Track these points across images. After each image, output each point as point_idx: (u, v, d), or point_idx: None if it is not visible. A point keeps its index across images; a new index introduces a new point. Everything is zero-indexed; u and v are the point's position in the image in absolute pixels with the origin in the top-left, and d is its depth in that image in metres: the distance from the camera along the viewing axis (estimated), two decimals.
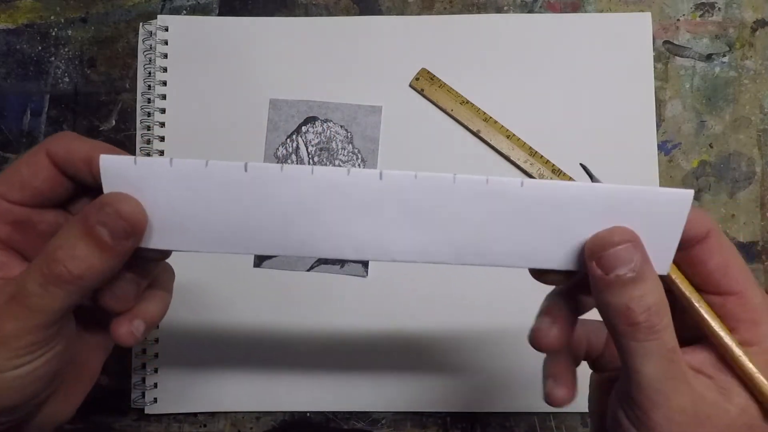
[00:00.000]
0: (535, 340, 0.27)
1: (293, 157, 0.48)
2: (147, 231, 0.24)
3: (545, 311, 0.27)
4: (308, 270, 0.47)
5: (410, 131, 0.48)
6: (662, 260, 0.25)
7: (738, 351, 0.24)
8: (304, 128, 0.48)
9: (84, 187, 0.26)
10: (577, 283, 0.27)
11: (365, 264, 0.47)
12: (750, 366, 0.24)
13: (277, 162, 0.48)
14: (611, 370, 0.29)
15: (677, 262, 0.26)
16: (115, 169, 0.23)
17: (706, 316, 0.25)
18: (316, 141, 0.48)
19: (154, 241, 0.24)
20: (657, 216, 0.24)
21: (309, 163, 0.48)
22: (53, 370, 0.25)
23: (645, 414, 0.23)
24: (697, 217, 0.25)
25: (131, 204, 0.23)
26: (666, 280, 0.26)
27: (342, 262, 0.47)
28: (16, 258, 0.26)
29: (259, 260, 0.47)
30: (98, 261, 0.23)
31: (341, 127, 0.48)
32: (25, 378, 0.24)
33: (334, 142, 0.48)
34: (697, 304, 0.25)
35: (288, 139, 0.48)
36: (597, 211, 0.24)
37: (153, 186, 0.23)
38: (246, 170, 0.23)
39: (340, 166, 0.48)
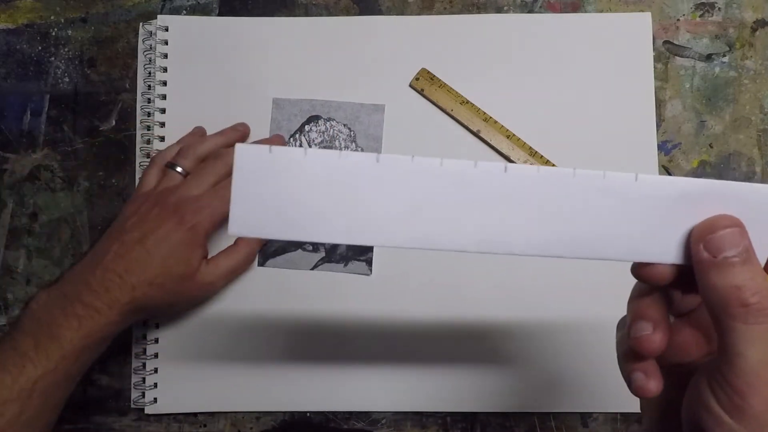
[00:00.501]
0: (642, 348, 0.27)
1: None
2: (277, 222, 0.25)
3: (641, 316, 0.27)
4: (312, 269, 0.47)
5: (411, 131, 0.48)
6: (761, 254, 0.25)
7: None
8: (307, 127, 0.48)
9: None
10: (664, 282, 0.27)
11: (369, 262, 0.47)
12: None
13: None
14: (670, 366, 0.29)
15: None
16: (248, 159, 0.24)
17: None
18: (319, 140, 0.48)
19: (283, 232, 0.25)
20: (757, 211, 0.25)
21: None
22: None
23: (743, 399, 0.23)
24: None
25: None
26: None
27: (346, 261, 0.47)
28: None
29: (263, 258, 0.47)
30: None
31: (344, 125, 0.48)
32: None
33: (337, 140, 0.48)
34: None
35: (291, 138, 0.48)
36: (703, 204, 0.25)
37: (284, 178, 0.24)
38: (378, 161, 0.24)
39: None
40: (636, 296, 0.28)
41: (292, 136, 0.48)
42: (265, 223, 0.24)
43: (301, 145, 0.48)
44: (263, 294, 0.47)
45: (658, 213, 0.25)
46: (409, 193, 0.24)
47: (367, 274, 0.47)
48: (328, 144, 0.48)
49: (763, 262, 0.25)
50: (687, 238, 0.25)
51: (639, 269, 0.26)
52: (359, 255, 0.47)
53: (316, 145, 0.48)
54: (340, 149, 0.48)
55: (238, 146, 0.24)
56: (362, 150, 0.48)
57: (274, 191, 0.24)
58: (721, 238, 0.24)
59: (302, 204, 0.24)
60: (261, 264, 0.47)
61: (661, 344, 0.27)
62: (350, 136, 0.48)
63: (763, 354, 0.23)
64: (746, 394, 0.23)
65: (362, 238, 0.25)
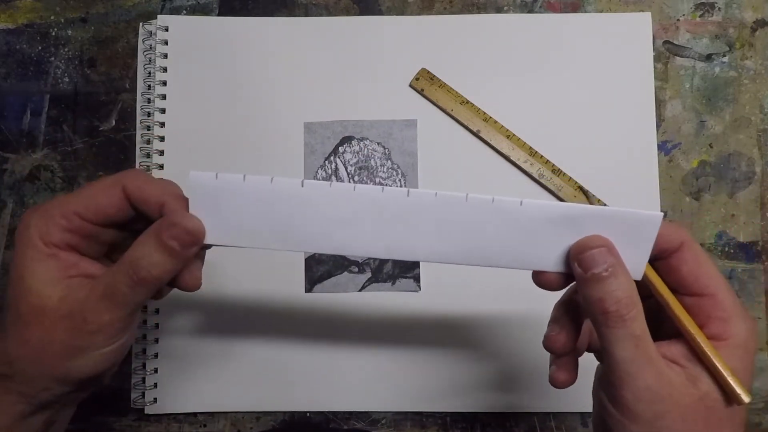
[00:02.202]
0: (547, 344, 0.32)
1: (333, 179, 0.47)
2: (222, 231, 0.30)
3: (553, 319, 0.32)
4: (360, 290, 0.47)
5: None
6: (637, 268, 0.29)
7: (703, 342, 0.28)
8: (341, 149, 0.48)
9: (141, 214, 0.32)
10: (576, 291, 0.31)
11: (417, 278, 0.47)
12: (710, 355, 0.27)
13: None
14: None
15: (659, 268, 0.30)
16: (200, 183, 0.29)
17: (677, 313, 0.29)
18: (355, 160, 0.48)
19: (227, 239, 0.30)
20: (633, 232, 0.29)
21: (350, 183, 0.48)
22: (129, 345, 0.33)
23: (617, 391, 0.27)
24: (672, 231, 0.29)
25: (194, 221, 0.30)
26: (647, 284, 0.30)
27: (393, 279, 0.47)
28: (86, 260, 0.32)
29: (310, 285, 0.47)
30: (171, 265, 0.30)
31: (378, 144, 0.48)
32: (113, 353, 0.31)
33: (372, 159, 0.48)
34: (671, 303, 0.29)
35: (326, 161, 0.48)
36: (584, 226, 0.29)
37: (228, 197, 0.29)
38: (302, 186, 0.29)
39: (380, 183, 0.48)
40: (557, 302, 0.33)
41: (327, 158, 0.48)
42: (217, 234, 0.30)
43: (336, 167, 0.48)
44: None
45: (543, 231, 0.29)
46: (330, 211, 0.29)
47: (416, 291, 0.47)
48: (363, 163, 0.48)
49: (637, 272, 0.29)
50: (568, 252, 0.29)
51: (534, 276, 0.31)
52: (406, 272, 0.47)
53: (351, 165, 0.48)
54: (376, 168, 0.48)
55: (192, 173, 0.29)
56: (398, 166, 0.48)
57: (221, 208, 0.30)
58: (590, 256, 0.28)
59: (245, 218, 0.30)
60: (308, 290, 0.47)
61: (566, 344, 0.31)
62: (385, 153, 0.48)
63: (627, 353, 0.27)
64: (619, 386, 0.27)
65: (292, 245, 0.30)
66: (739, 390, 0.27)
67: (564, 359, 0.32)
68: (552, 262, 0.30)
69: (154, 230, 0.30)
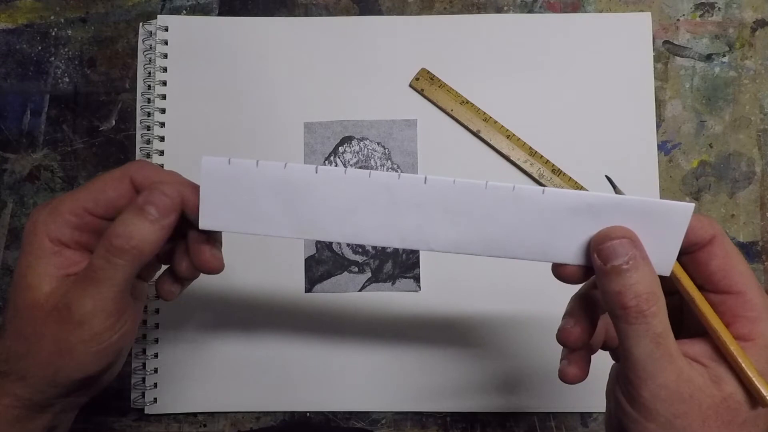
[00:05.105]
0: (560, 338, 0.31)
1: None
2: (233, 218, 0.29)
3: (569, 312, 0.31)
4: (360, 290, 0.47)
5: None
6: (665, 263, 0.28)
7: (728, 341, 0.26)
8: (341, 149, 0.48)
9: None
10: (595, 285, 0.30)
11: (417, 279, 0.47)
12: (737, 355, 0.26)
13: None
14: None
15: (685, 262, 0.29)
16: (213, 168, 0.29)
17: (703, 310, 0.27)
18: (354, 160, 0.48)
19: (238, 226, 0.29)
20: (661, 224, 0.27)
21: None
22: (123, 345, 0.31)
23: (635, 390, 0.26)
24: (703, 224, 0.28)
25: (172, 187, 0.29)
26: (672, 280, 0.28)
27: (393, 279, 0.47)
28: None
29: (310, 284, 0.47)
30: (151, 234, 0.29)
31: (378, 144, 0.48)
32: (102, 354, 0.30)
33: (372, 159, 0.48)
34: (697, 300, 0.28)
35: (326, 161, 0.48)
36: (608, 217, 0.28)
37: (241, 183, 0.29)
38: (317, 172, 0.28)
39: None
40: (574, 295, 0.32)
41: (327, 158, 0.48)
42: (228, 220, 0.29)
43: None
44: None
45: (565, 222, 0.28)
46: (344, 198, 0.29)
47: (416, 291, 0.47)
48: (363, 163, 0.48)
49: (665, 268, 0.28)
50: (590, 243, 0.28)
51: (554, 268, 0.30)
52: (406, 272, 0.47)
53: (351, 165, 0.47)
54: (376, 168, 0.48)
55: (205, 158, 0.29)
56: (398, 167, 0.48)
57: (234, 194, 0.29)
58: (610, 247, 0.27)
59: (257, 204, 0.29)
60: (308, 290, 0.47)
61: (579, 337, 0.30)
62: (385, 153, 0.48)
63: (646, 351, 0.26)
64: (637, 385, 0.26)
65: (303, 233, 0.29)
66: (765, 392, 0.26)
67: (576, 354, 0.31)
68: (573, 254, 0.29)
69: (133, 202, 0.29)
